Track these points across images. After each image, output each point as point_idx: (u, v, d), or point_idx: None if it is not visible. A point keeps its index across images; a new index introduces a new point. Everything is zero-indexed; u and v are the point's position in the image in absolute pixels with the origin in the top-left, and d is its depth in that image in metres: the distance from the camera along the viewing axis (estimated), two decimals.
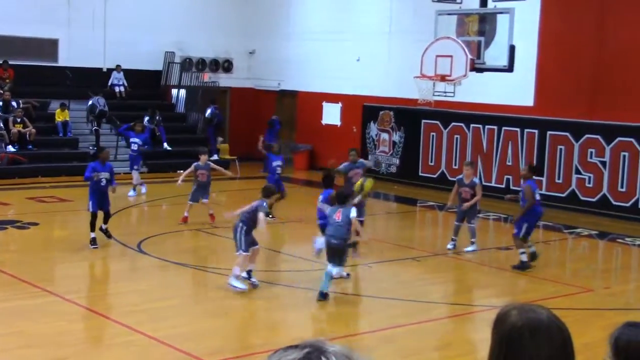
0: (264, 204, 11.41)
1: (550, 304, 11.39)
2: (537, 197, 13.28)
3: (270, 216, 15.54)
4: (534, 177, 13.84)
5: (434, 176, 21.94)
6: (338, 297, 11.34)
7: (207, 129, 25.43)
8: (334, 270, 10.87)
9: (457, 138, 21.91)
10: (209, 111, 25.56)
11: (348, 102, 25.01)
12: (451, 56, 18.01)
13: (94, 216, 13.64)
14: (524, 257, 13.12)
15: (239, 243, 11.15)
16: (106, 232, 13.97)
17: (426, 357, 9.47)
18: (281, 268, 13.18)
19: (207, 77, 27.17)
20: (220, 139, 25.61)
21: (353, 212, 10.95)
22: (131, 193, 19.05)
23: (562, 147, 19.62)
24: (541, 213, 13.48)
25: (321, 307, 10.88)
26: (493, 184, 20.75)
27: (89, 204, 13.69)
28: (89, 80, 24.54)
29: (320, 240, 11.50)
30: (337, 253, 10.88)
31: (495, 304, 11.25)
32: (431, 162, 22.07)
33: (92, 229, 13.64)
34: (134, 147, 19.67)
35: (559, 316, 2.62)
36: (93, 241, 13.63)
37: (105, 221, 13.92)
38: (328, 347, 1.97)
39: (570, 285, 12.45)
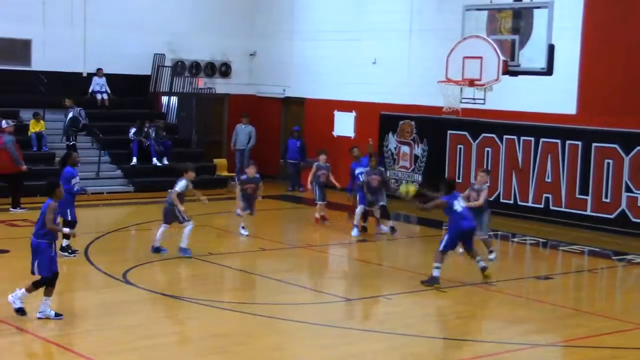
0: None
1: (599, 342, 11.37)
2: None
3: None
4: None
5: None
6: (355, 333, 11.34)
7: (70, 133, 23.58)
8: None
9: (488, 151, 21.93)
10: (70, 113, 23.56)
11: (363, 110, 25.08)
12: (481, 57, 18.08)
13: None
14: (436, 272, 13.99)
15: None
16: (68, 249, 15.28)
17: None
18: (285, 300, 13.16)
19: (202, 82, 27.29)
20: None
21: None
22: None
23: (610, 161, 19.62)
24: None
25: (335, 346, 10.88)
26: (530, 204, 20.74)
27: (72, 212, 15.05)
28: (66, 87, 24.68)
29: None
30: None
31: (534, 341, 11.21)
32: (459, 178, 22.02)
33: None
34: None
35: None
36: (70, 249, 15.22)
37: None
38: None
39: (622, 320, 12.39)
